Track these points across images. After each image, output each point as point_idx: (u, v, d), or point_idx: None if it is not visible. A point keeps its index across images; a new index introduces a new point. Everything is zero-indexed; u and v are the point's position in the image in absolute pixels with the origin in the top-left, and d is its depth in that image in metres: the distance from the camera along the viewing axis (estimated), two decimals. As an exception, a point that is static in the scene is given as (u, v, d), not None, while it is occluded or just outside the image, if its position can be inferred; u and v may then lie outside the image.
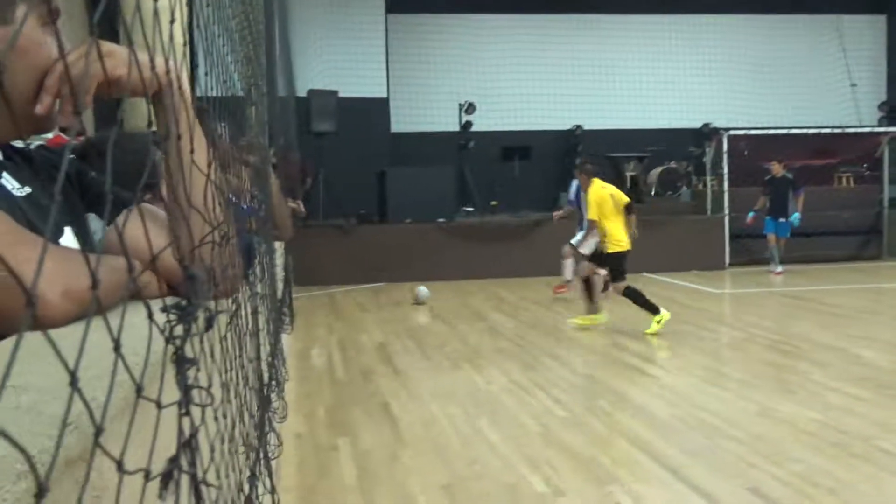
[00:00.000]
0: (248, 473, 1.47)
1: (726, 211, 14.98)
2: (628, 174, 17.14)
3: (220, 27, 1.65)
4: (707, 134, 18.12)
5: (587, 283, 9.51)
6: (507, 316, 10.58)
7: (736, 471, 4.70)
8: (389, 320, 10.48)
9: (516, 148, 17.11)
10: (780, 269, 14.19)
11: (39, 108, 1.23)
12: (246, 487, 1.35)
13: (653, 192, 17.41)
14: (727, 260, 14.98)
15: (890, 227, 15.95)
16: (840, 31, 19.56)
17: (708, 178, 16.10)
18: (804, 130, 16.37)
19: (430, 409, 6.22)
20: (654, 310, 8.88)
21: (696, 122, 18.95)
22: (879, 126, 18.18)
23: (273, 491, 1.96)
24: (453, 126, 17.49)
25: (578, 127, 18.61)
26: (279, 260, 5.28)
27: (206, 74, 1.33)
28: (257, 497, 1.60)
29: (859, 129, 17.11)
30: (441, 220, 14.55)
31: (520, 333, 9.30)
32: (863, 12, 19.96)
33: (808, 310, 10.73)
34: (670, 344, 8.52)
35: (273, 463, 2.25)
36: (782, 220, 14.07)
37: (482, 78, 18.55)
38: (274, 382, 2.78)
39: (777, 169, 14.19)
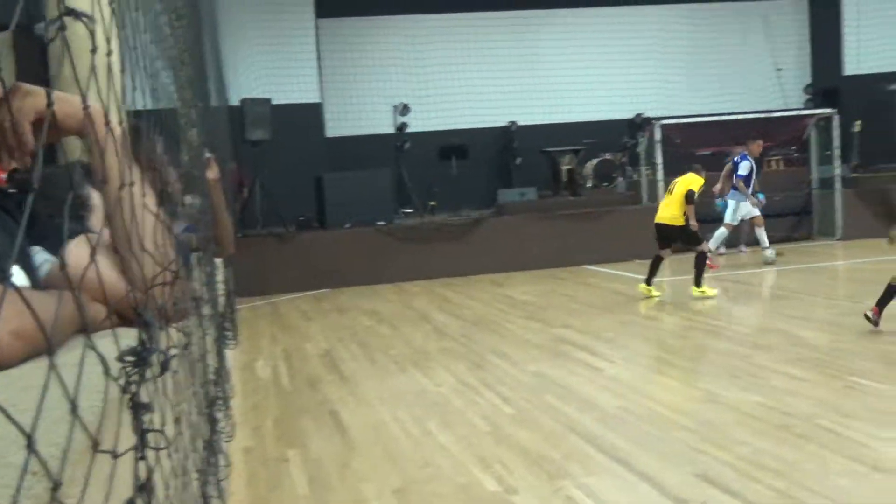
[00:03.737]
0: (200, 498, 1.46)
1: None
2: (564, 168, 17.28)
3: (152, 41, 1.63)
4: (640, 124, 18.35)
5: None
6: (452, 316, 10.61)
7: (684, 457, 4.78)
8: (333, 327, 10.44)
9: (453, 147, 17.16)
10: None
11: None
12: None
13: (589, 185, 17.58)
14: (665, 248, 15.18)
15: (819, 207, 16.33)
16: (765, 18, 19.97)
17: (643, 168, 16.30)
18: (734, 116, 16.66)
19: (379, 413, 6.22)
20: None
21: (628, 113, 19.17)
22: (805, 109, 18.60)
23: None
24: (388, 128, 17.47)
25: (513, 123, 18.70)
26: (220, 275, 5.23)
27: (133, 90, 1.32)
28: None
29: (787, 113, 17.46)
30: (380, 222, 14.52)
31: (465, 333, 9.33)
32: (785, -2, 20.44)
33: (748, 293, 10.95)
34: (615, 335, 8.63)
35: (223, 484, 2.23)
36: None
37: (415, 79, 18.56)
38: (220, 401, 2.75)
39: (758, 147, 14.29)
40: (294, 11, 17.09)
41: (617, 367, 7.27)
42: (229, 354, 5.33)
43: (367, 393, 6.92)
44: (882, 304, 7.61)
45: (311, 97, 17.21)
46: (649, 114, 18.52)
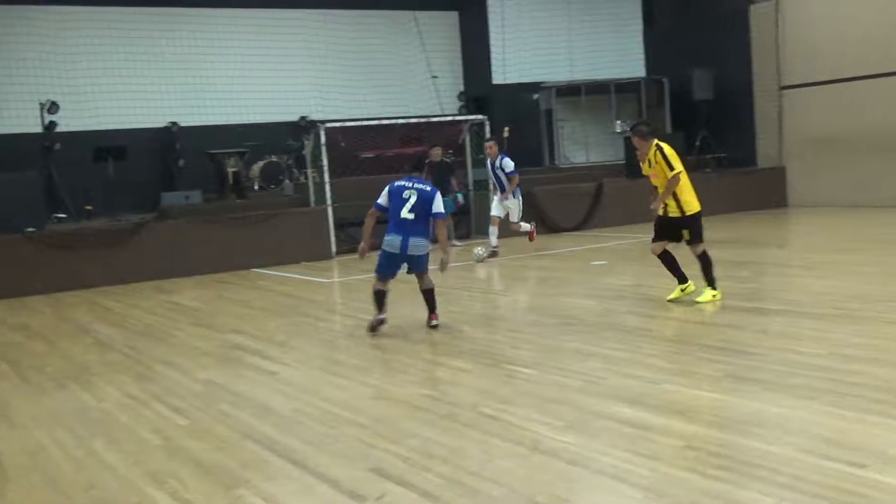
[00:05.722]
0: None
1: (329, 201, 15.39)
2: (230, 170, 17.02)
3: None
4: (304, 127, 18.49)
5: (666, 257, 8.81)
6: (115, 326, 10.04)
7: (358, 454, 4.88)
8: (-22, 344, 9.49)
9: (110, 148, 16.24)
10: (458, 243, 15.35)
11: None
12: None
13: (256, 187, 17.45)
14: (333, 249, 15.42)
15: (476, 207, 17.35)
16: (418, 27, 20.89)
17: (309, 171, 16.44)
18: (394, 121, 17.27)
19: (35, 436, 5.73)
20: (712, 283, 8.67)
21: (292, 116, 19.25)
22: (460, 114, 19.74)
23: None
24: (35, 127, 16.17)
25: (174, 124, 18.11)
26: None
27: None
28: None
29: (443, 118, 18.41)
30: (30, 229, 13.41)
31: (130, 344, 8.86)
32: (437, 9, 21.50)
33: (412, 291, 11.36)
34: (287, 338, 8.61)
35: None
36: (445, 198, 14.94)
37: (65, 75, 17.35)
38: None
39: (436, 153, 14.88)
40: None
41: (290, 370, 7.27)
42: None
43: (20, 415, 6.36)
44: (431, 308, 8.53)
45: (-59, 91, 15.58)
46: (314, 116, 18.74)
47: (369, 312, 8.71)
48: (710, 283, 8.71)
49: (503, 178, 13.80)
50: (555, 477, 4.33)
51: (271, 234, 14.89)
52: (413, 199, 8.28)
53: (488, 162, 14.13)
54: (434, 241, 8.46)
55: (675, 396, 5.61)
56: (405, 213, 8.26)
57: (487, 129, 16.86)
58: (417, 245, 8.28)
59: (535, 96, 20.68)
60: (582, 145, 20.84)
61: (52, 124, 16.09)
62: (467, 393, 6.01)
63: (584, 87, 21.02)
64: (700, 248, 8.66)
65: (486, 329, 8.49)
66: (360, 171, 16.93)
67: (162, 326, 9.82)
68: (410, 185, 8.41)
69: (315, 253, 15.12)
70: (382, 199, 8.46)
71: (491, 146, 14.15)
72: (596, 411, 5.36)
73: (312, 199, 15.97)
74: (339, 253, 15.45)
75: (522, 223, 14.06)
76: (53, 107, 15.97)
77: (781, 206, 19.17)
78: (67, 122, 16.53)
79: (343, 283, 12.90)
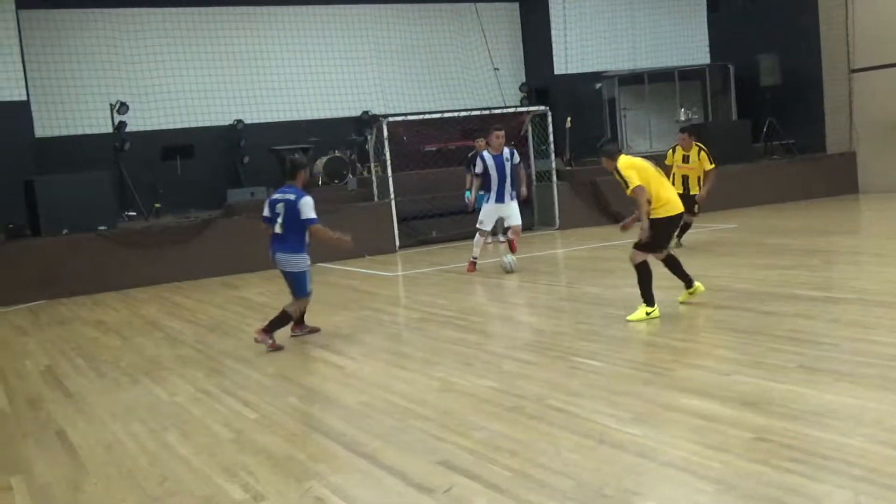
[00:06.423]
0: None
1: (392, 195, 15.48)
2: (294, 166, 17.18)
3: None
4: (367, 121, 18.60)
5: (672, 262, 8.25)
6: (185, 322, 10.24)
7: (426, 447, 4.90)
8: (55, 340, 9.75)
9: (177, 147, 16.55)
10: (502, 238, 15.05)
11: None
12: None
13: (319, 183, 17.59)
14: (397, 243, 15.50)
15: (539, 199, 17.29)
16: (480, 19, 20.85)
17: (372, 165, 16.54)
18: (456, 114, 17.28)
19: (111, 430, 5.88)
20: (650, 301, 7.85)
21: (355, 111, 19.40)
22: (522, 106, 19.66)
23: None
24: (106, 128, 16.55)
25: (240, 121, 18.37)
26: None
27: None
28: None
29: (505, 110, 18.35)
30: (102, 227, 13.73)
31: (200, 339, 9.03)
32: (498, 0, 21.44)
33: (476, 283, 11.38)
34: (353, 332, 8.68)
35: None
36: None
37: (132, 76, 17.75)
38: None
39: (481, 145, 13.98)
40: (-9, 1, 15.79)
41: (356, 363, 7.33)
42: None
43: (97, 409, 6.52)
44: (273, 327, 8.01)
45: (16, 94, 16.01)
46: (375, 111, 18.84)
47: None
48: (645, 298, 7.87)
49: (509, 173, 11.84)
50: (623, 469, 4.30)
51: (335, 229, 14.86)
52: (282, 213, 8.07)
53: (488, 154, 11.92)
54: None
55: (746, 388, 5.52)
56: (277, 228, 8.13)
57: (550, 119, 16.77)
58: (282, 261, 8.17)
59: (598, 85, 20.51)
60: (645, 134, 20.59)
61: (122, 124, 16.44)
62: (534, 385, 6.00)
63: (647, 76, 20.77)
64: (638, 258, 7.92)
65: (553, 321, 8.45)
66: (422, 164, 16.97)
67: (230, 321, 9.98)
68: (282, 196, 8.18)
69: (379, 247, 15.20)
70: (266, 212, 8.27)
71: (500, 135, 11.96)
72: (664, 403, 5.31)
73: (376, 193, 16.06)
74: (402, 247, 15.52)
75: (509, 234, 12.59)
76: (123, 107, 16.32)
77: (851, 192, 18.73)
78: (136, 122, 16.91)
79: (407, 276, 12.95)
